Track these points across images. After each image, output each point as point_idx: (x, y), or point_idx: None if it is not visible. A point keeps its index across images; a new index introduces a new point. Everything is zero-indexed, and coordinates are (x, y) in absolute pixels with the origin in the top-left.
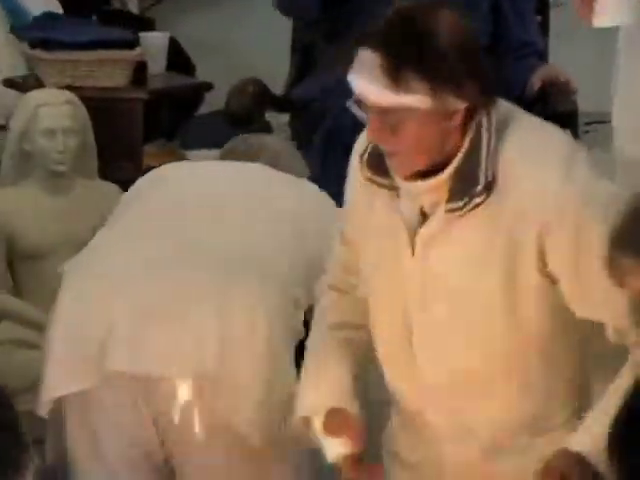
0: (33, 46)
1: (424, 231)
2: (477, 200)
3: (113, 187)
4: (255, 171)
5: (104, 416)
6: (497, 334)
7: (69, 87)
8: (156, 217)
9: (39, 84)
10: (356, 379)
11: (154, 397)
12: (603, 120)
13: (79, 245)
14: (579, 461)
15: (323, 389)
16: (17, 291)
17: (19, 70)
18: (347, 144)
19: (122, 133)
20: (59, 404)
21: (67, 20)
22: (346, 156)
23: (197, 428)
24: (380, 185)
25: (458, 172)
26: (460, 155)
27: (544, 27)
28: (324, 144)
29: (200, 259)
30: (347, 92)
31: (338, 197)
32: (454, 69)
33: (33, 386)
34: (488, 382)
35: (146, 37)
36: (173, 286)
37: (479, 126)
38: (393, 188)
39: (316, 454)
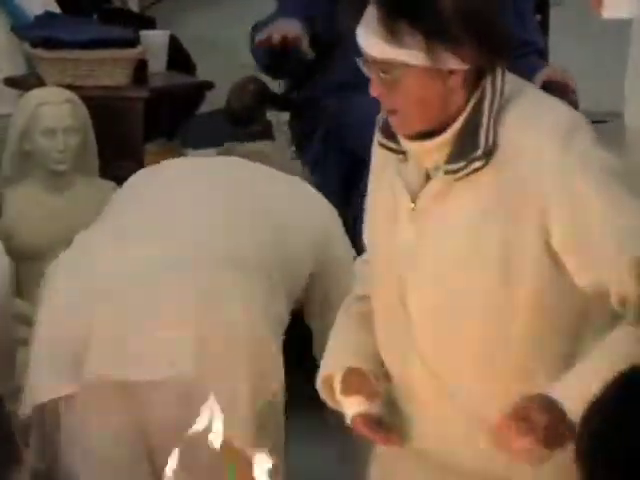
0: (34, 45)
1: (424, 192)
2: (476, 164)
3: (114, 186)
4: (243, 167)
5: (90, 417)
6: (490, 302)
7: (70, 86)
8: (141, 218)
9: (40, 83)
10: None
11: (136, 400)
12: (603, 120)
13: None
14: (552, 410)
15: (342, 350)
16: (17, 290)
17: (20, 69)
18: (347, 144)
19: (123, 132)
20: (42, 406)
21: (68, 19)
22: (346, 156)
23: (180, 430)
24: (390, 149)
25: (459, 135)
26: (461, 118)
27: (544, 26)
28: (324, 144)
29: (184, 260)
30: (347, 92)
31: (337, 197)
32: (451, 27)
33: None
34: (479, 348)
35: (147, 36)
36: (155, 288)
37: (483, 91)
38: (401, 152)
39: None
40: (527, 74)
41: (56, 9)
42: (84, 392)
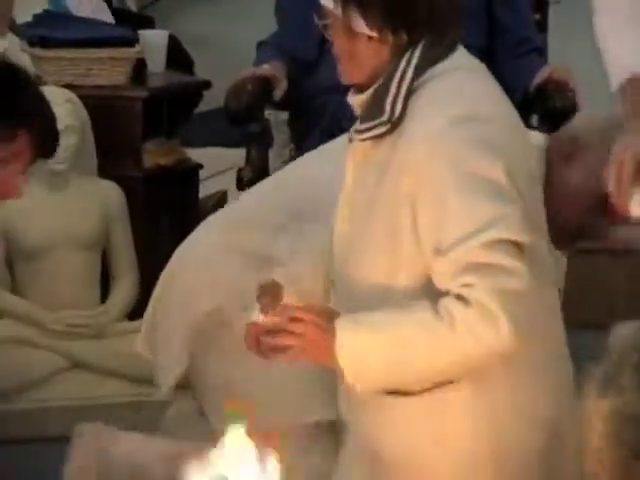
0: (32, 44)
1: (348, 159)
2: (378, 130)
3: (113, 185)
4: None
5: None
6: (381, 269)
7: (68, 85)
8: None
9: (38, 82)
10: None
11: None
12: None
13: (78, 243)
14: (326, 326)
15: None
16: (17, 289)
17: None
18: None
19: (122, 131)
20: None
21: (66, 18)
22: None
23: None
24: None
25: (371, 99)
26: (378, 83)
27: (543, 24)
28: (322, 143)
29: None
30: (346, 91)
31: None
32: None
33: (33, 385)
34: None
35: (145, 35)
36: None
37: (399, 63)
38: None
39: None
40: (528, 73)
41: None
42: None
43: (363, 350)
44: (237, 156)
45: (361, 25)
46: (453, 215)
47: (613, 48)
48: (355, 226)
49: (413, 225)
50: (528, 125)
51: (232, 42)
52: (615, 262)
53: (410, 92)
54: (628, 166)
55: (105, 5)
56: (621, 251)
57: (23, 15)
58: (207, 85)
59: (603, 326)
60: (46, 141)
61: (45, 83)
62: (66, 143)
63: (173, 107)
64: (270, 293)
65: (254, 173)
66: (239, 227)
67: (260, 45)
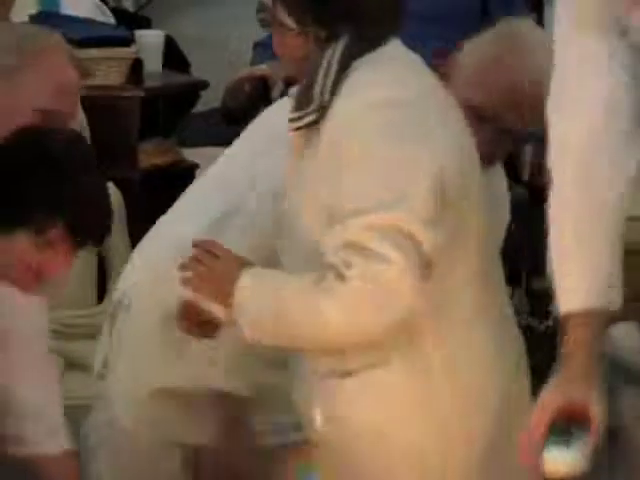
0: None
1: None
2: (308, 119)
3: (109, 185)
4: None
5: None
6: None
7: None
8: None
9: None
10: None
11: None
12: None
13: None
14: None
15: None
16: None
17: None
18: None
19: (118, 131)
20: None
21: (62, 18)
22: None
23: None
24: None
25: (301, 90)
26: (307, 75)
27: (539, 24)
28: None
29: None
30: None
31: None
32: None
33: None
34: None
35: (142, 35)
36: None
37: (324, 55)
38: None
39: None
40: None
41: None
42: None
43: (256, 299)
44: None
45: (286, 18)
46: (348, 190)
47: (557, 272)
48: (290, 209)
49: None
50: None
51: (229, 42)
52: None
53: (337, 82)
54: (540, 428)
55: (104, 6)
56: None
57: (17, 17)
58: (204, 85)
59: None
60: (87, 232)
61: None
62: None
63: (170, 107)
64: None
65: None
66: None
67: (257, 45)
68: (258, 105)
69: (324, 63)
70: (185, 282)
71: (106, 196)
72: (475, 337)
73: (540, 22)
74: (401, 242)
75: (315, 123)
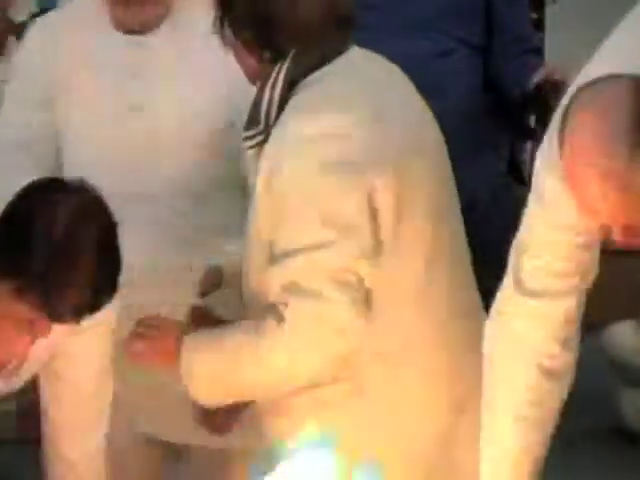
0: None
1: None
2: (256, 140)
3: None
4: None
5: None
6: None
7: None
8: None
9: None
10: None
11: None
12: None
13: None
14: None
15: None
16: None
17: None
18: None
19: None
20: None
21: None
22: None
23: None
24: None
25: (252, 106)
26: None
27: (540, 24)
28: None
29: None
30: None
31: None
32: (234, 6)
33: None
34: None
35: None
36: None
37: (270, 74)
38: None
39: None
40: (525, 72)
41: None
42: None
43: (201, 363)
44: None
45: (231, 38)
46: (285, 227)
47: None
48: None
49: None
50: (525, 125)
51: None
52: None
53: (283, 102)
54: None
55: None
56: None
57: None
58: None
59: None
60: (61, 307)
61: None
62: None
63: None
64: (210, 278)
65: None
66: None
67: None
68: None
69: (270, 82)
70: (133, 356)
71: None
72: (413, 360)
73: (540, 22)
74: (341, 279)
75: (264, 142)
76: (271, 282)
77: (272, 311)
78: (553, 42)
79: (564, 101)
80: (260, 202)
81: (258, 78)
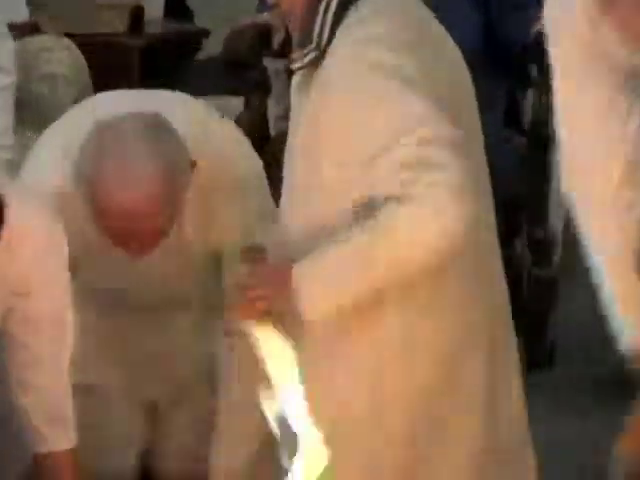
0: None
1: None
2: (308, 58)
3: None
4: None
5: None
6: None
7: (67, 34)
8: None
9: (37, 30)
10: None
11: None
12: None
13: None
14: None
15: None
16: None
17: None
18: None
19: (119, 79)
20: None
21: None
22: None
23: None
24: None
25: (301, 31)
26: (300, 16)
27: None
28: None
29: None
30: None
31: None
32: None
33: None
34: None
35: None
36: None
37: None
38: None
39: None
40: (527, 23)
41: None
42: None
43: (315, 273)
44: (235, 104)
45: None
46: (377, 121)
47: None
48: (294, 158)
49: (329, 150)
50: (527, 75)
51: None
52: None
53: (337, 21)
54: None
55: None
56: None
57: None
58: (206, 34)
59: None
60: None
61: (45, 32)
62: (64, 92)
63: (171, 55)
64: (252, 256)
65: (253, 119)
66: None
67: None
68: (259, 53)
69: (323, 5)
70: (243, 314)
71: None
72: (437, 304)
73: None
74: (449, 149)
75: (316, 60)
76: (381, 175)
77: (389, 201)
78: None
79: None
80: (317, 113)
81: (298, 6)
